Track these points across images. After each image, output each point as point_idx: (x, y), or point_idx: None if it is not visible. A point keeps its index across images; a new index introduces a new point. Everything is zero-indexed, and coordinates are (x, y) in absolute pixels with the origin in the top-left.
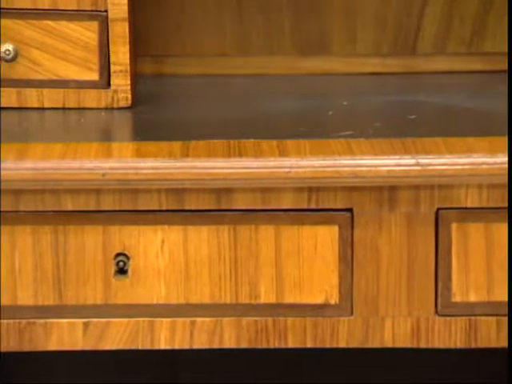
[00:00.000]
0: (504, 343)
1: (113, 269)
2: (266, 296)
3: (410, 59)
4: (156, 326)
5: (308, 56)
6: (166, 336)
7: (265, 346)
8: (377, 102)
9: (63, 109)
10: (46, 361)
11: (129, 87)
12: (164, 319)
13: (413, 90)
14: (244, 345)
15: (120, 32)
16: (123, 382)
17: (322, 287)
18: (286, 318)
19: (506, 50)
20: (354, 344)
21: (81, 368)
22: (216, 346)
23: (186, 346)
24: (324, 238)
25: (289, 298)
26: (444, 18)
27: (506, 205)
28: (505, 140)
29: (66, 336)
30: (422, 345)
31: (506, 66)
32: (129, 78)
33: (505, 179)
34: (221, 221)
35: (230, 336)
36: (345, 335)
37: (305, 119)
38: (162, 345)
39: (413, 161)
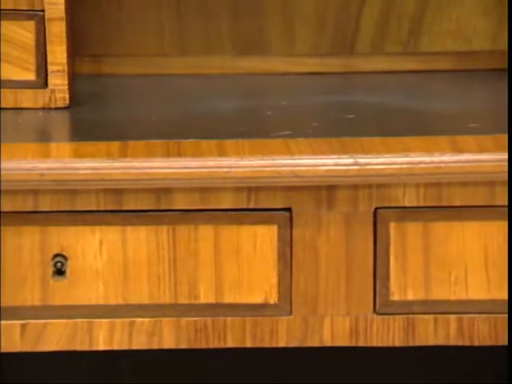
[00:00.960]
0: (441, 341)
1: (51, 270)
2: (206, 296)
3: (349, 59)
4: (94, 327)
5: (246, 55)
6: (105, 337)
7: (204, 346)
8: (315, 101)
9: None
10: None
11: (66, 87)
12: (102, 320)
13: (351, 90)
14: (183, 345)
15: (57, 31)
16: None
17: (261, 287)
18: (226, 317)
19: (441, 50)
20: (294, 343)
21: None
22: (155, 346)
23: (124, 347)
24: (263, 238)
25: (228, 298)
26: (381, 19)
27: (442, 204)
28: (441, 139)
29: (3, 338)
30: (361, 343)
31: (440, 66)
32: (66, 77)
33: (441, 178)
34: (160, 221)
35: (169, 336)
36: (284, 335)
37: (244, 119)
38: (101, 346)
39: (351, 160)
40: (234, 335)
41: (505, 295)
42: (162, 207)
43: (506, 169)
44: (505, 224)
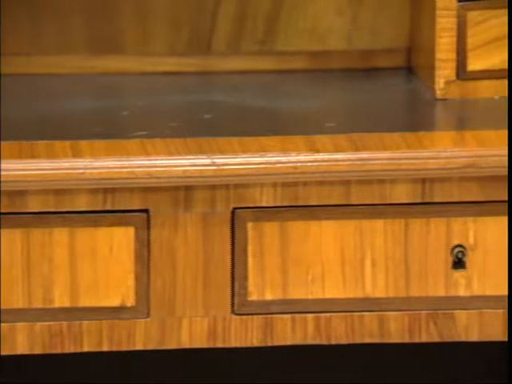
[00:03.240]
0: (299, 340)
1: None
2: (61, 300)
3: (205, 58)
4: None
5: (101, 55)
6: None
7: (60, 350)
8: (172, 101)
9: None
10: None
11: None
12: None
13: (208, 90)
14: (38, 350)
15: None
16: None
17: (118, 289)
18: (82, 321)
19: (297, 49)
20: (151, 346)
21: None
22: (8, 352)
23: None
24: (120, 240)
25: (84, 302)
26: (237, 18)
27: (299, 203)
28: (297, 139)
29: None
30: (219, 344)
31: (296, 65)
32: None
33: (298, 178)
34: (12, 224)
35: (22, 342)
36: (142, 337)
37: (99, 119)
38: None
39: (208, 161)
40: (91, 339)
41: (360, 294)
42: (15, 210)
43: (361, 168)
44: (360, 223)
